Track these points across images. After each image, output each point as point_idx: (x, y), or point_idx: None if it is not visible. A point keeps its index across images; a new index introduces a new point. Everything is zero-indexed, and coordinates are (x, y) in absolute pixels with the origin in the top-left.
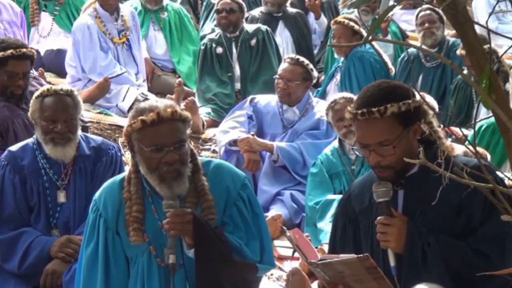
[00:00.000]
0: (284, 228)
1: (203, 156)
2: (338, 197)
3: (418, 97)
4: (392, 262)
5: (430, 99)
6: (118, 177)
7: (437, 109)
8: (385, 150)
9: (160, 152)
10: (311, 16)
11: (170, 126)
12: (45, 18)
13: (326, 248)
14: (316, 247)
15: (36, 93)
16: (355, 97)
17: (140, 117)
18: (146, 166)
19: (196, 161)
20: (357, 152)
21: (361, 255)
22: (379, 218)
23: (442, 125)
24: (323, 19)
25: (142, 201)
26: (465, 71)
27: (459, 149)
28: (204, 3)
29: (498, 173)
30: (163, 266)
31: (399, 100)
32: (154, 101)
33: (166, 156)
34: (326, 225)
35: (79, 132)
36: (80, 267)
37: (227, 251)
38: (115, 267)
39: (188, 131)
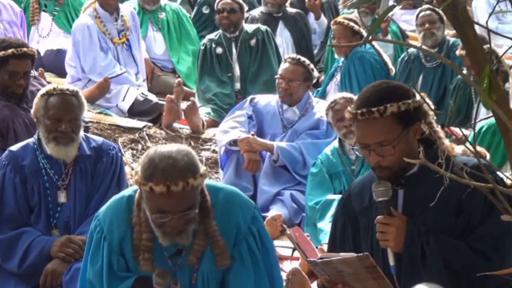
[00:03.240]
0: (285, 226)
1: (203, 156)
2: (338, 197)
3: (418, 97)
4: (391, 262)
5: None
6: (125, 195)
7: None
8: (385, 150)
9: (165, 217)
10: (311, 16)
11: (180, 197)
12: (45, 18)
13: (325, 248)
14: (316, 247)
15: (42, 91)
16: (355, 97)
17: (150, 184)
18: (151, 220)
19: (206, 204)
20: (357, 152)
21: (361, 254)
22: (378, 217)
23: (440, 125)
24: (323, 19)
25: (152, 229)
26: (465, 71)
27: (458, 149)
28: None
29: (498, 173)
30: None
31: (399, 100)
32: (168, 156)
33: (171, 221)
34: (326, 225)
35: (82, 133)
36: (84, 276)
37: None
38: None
39: (200, 162)
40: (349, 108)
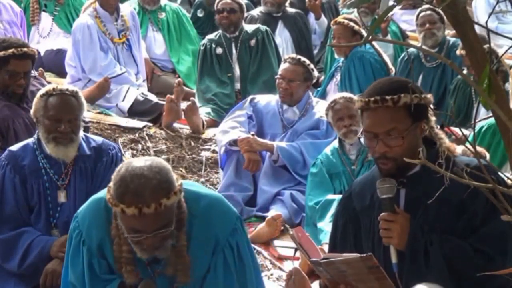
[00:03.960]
0: (287, 226)
1: (203, 156)
2: (338, 197)
3: (415, 99)
4: (394, 259)
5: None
6: (102, 198)
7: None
8: (392, 140)
9: (140, 236)
10: (311, 17)
11: (152, 217)
12: (45, 18)
13: (326, 248)
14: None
15: (41, 91)
16: (355, 97)
17: (121, 206)
18: (130, 240)
19: (181, 216)
20: (362, 141)
21: (364, 255)
22: (382, 214)
23: (440, 125)
24: (323, 20)
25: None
26: (465, 71)
27: (458, 149)
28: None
29: (498, 173)
30: None
31: (411, 93)
32: (139, 175)
33: (146, 240)
34: (326, 225)
35: (81, 133)
36: (66, 277)
37: None
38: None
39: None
40: (359, 98)
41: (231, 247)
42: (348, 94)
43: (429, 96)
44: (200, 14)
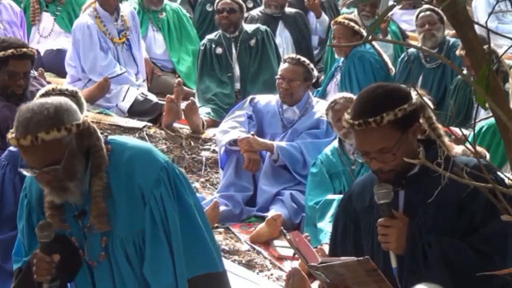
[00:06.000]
0: (284, 231)
1: (203, 156)
2: (338, 197)
3: (415, 98)
4: (393, 264)
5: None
6: None
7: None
8: (385, 157)
9: (34, 172)
10: (312, 15)
11: (34, 151)
12: (46, 19)
13: (326, 248)
14: (315, 247)
15: (41, 91)
16: (355, 97)
17: (10, 136)
18: None
19: (97, 160)
20: (358, 159)
21: (361, 258)
22: (379, 220)
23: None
24: (324, 17)
25: None
26: (465, 71)
27: (458, 149)
28: (198, 11)
29: (498, 173)
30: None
31: (395, 106)
32: (30, 109)
33: (39, 177)
34: (326, 225)
35: None
36: (18, 243)
37: None
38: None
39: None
40: (346, 117)
41: (155, 199)
42: (348, 94)
43: (421, 92)
44: (209, 8)
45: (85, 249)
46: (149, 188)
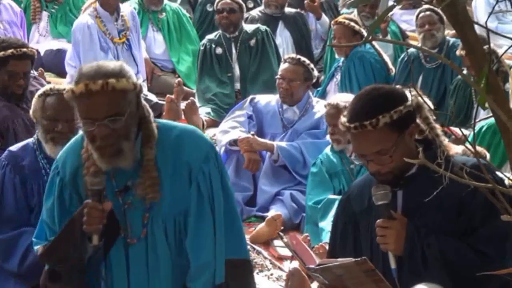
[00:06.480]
0: (281, 234)
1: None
2: (339, 197)
3: (411, 99)
4: (393, 265)
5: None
6: (80, 134)
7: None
8: (382, 159)
9: (92, 125)
10: (312, 17)
11: (102, 98)
12: (45, 18)
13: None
14: (313, 247)
15: (39, 92)
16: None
17: (69, 87)
18: (86, 136)
19: (148, 131)
20: (356, 161)
21: (359, 259)
22: (378, 221)
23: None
24: (325, 19)
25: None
26: (465, 71)
27: (458, 149)
28: (199, 12)
29: (498, 173)
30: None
31: (391, 108)
32: (99, 65)
33: (96, 130)
34: (327, 225)
35: (80, 133)
36: (42, 219)
37: None
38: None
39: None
40: (342, 120)
41: (203, 174)
42: (335, 100)
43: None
44: (209, 8)
45: (127, 226)
46: (198, 164)
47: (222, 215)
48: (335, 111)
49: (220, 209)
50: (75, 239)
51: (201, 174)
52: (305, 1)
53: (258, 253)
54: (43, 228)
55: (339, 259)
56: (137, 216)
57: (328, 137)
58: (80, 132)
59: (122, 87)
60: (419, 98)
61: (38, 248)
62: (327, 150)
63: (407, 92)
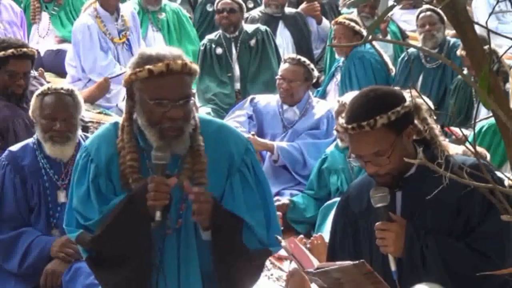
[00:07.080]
0: (279, 238)
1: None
2: (337, 199)
3: (409, 100)
4: (393, 267)
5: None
6: (111, 122)
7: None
8: (380, 160)
9: (164, 106)
10: (313, 22)
11: (178, 79)
12: (44, 18)
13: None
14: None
15: (37, 92)
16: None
17: (147, 66)
18: (147, 119)
19: (194, 121)
20: (354, 163)
21: (357, 262)
22: (377, 223)
23: (440, 126)
24: (325, 23)
25: (137, 149)
26: (465, 72)
27: (459, 149)
28: (199, 12)
29: (498, 173)
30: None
31: (388, 109)
32: (161, 48)
33: (170, 111)
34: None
35: (79, 132)
36: (70, 206)
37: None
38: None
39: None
40: (340, 121)
41: (246, 165)
42: (346, 99)
43: (417, 93)
44: (209, 8)
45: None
46: (240, 156)
47: (274, 203)
48: (343, 109)
49: (271, 197)
50: (135, 217)
51: (244, 166)
52: (301, 7)
53: None
54: (73, 216)
55: (337, 263)
56: (175, 206)
57: (334, 133)
58: (111, 121)
59: (195, 69)
60: (417, 99)
61: (78, 234)
62: (332, 146)
63: (405, 93)
